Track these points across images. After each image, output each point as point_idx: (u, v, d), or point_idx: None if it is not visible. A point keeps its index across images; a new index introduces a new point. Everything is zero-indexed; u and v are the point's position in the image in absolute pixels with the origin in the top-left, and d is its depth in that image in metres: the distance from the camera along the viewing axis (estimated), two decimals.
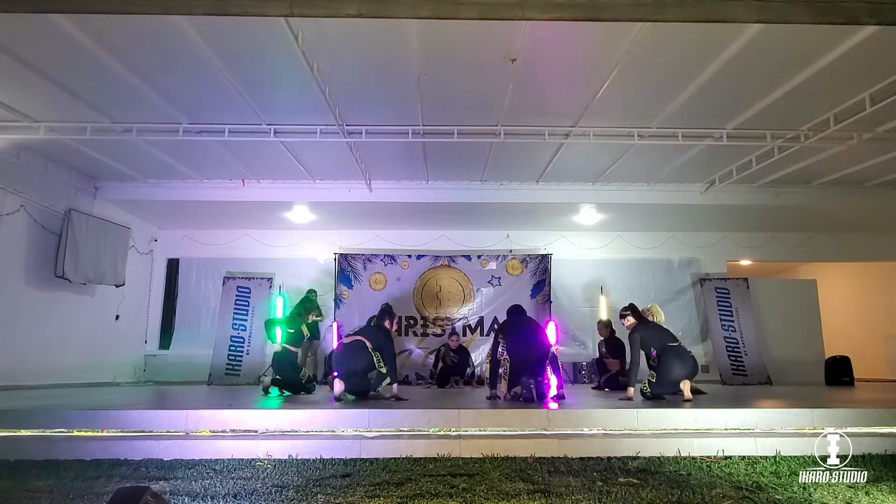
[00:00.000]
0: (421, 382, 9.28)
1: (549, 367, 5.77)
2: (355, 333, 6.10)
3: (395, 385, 5.84)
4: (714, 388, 8.10)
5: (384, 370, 5.74)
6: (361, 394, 5.78)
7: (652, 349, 5.75)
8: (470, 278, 10.12)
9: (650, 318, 6.03)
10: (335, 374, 5.81)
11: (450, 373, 8.55)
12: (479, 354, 9.62)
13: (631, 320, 5.98)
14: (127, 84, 5.63)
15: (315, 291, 9.24)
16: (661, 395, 5.66)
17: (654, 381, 5.61)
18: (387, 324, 6.11)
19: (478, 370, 9.48)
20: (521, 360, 5.68)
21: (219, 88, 5.77)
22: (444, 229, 10.34)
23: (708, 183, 8.62)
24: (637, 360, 5.75)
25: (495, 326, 9.73)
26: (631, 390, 5.66)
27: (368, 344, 5.76)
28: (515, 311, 6.35)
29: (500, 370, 5.77)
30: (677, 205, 8.98)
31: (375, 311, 6.49)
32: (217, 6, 3.05)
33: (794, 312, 10.23)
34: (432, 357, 9.20)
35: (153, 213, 9.63)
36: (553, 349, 5.91)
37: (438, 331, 9.81)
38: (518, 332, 5.98)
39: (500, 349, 5.84)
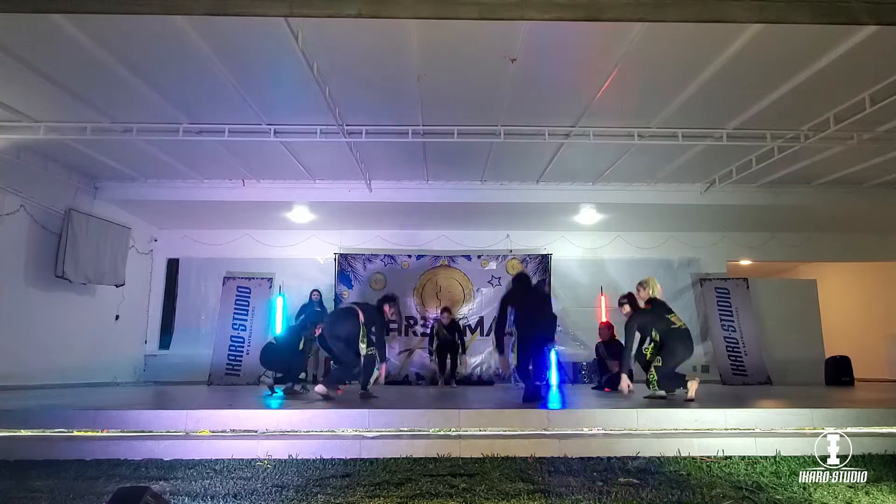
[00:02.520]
0: (422, 382, 9.28)
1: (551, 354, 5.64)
2: (353, 303, 6.13)
3: (382, 367, 5.86)
4: (714, 388, 8.10)
5: (371, 351, 5.70)
6: (339, 365, 5.79)
7: (654, 333, 5.67)
8: (470, 278, 10.12)
9: (648, 291, 5.85)
10: (318, 330, 6.12)
11: (446, 345, 8.67)
12: (479, 356, 9.63)
13: (628, 309, 5.99)
14: (127, 84, 5.63)
15: (319, 292, 9.26)
16: (672, 388, 5.58)
17: (660, 366, 5.52)
18: (385, 307, 6.15)
19: (477, 370, 9.49)
20: (529, 333, 5.52)
21: (219, 88, 5.76)
22: (444, 229, 10.32)
23: (708, 183, 8.62)
24: (631, 344, 5.68)
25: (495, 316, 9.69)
26: (625, 380, 5.57)
27: (361, 316, 5.72)
28: (522, 280, 6.12)
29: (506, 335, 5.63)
30: (677, 205, 8.97)
31: None
32: (217, 6, 3.05)
33: (794, 312, 10.23)
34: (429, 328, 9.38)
35: (153, 213, 9.62)
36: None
37: None
38: (527, 301, 5.75)
39: (509, 321, 5.62)
